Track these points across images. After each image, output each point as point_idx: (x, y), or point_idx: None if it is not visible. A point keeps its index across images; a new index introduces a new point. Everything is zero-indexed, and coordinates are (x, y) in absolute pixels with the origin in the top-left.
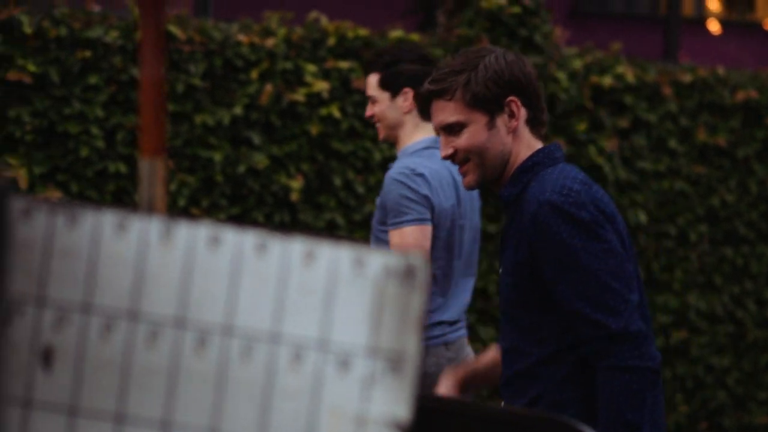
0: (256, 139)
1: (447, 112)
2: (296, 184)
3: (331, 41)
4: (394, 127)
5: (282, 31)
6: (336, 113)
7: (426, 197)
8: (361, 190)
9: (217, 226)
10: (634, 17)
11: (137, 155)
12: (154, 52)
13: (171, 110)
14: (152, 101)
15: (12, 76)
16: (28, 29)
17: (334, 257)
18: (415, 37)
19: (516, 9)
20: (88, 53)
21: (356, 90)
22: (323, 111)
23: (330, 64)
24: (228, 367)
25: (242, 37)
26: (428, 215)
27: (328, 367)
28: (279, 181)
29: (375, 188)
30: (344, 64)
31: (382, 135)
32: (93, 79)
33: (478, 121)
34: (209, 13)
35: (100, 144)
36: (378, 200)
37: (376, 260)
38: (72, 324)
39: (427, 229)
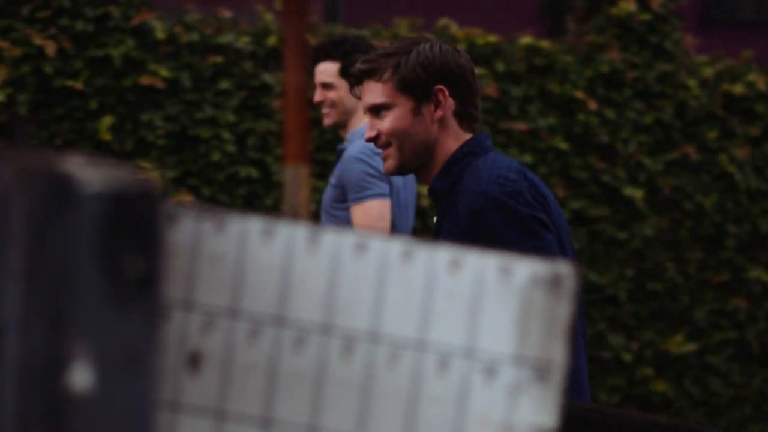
0: None
1: (375, 93)
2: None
3: (461, 48)
4: (349, 113)
5: None
6: None
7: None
8: None
9: (363, 234)
10: (764, 24)
11: (269, 160)
12: (296, 60)
13: None
14: (296, 108)
15: (145, 80)
16: (160, 35)
17: (480, 265)
18: (544, 43)
19: (646, 16)
20: (219, 58)
21: (487, 97)
22: None
23: None
24: (374, 373)
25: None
26: (388, 191)
27: (474, 374)
28: None
29: None
30: None
31: (331, 120)
32: (224, 84)
33: (404, 105)
34: (339, 19)
35: (231, 148)
36: (333, 179)
37: (523, 268)
38: (219, 329)
39: (388, 203)
